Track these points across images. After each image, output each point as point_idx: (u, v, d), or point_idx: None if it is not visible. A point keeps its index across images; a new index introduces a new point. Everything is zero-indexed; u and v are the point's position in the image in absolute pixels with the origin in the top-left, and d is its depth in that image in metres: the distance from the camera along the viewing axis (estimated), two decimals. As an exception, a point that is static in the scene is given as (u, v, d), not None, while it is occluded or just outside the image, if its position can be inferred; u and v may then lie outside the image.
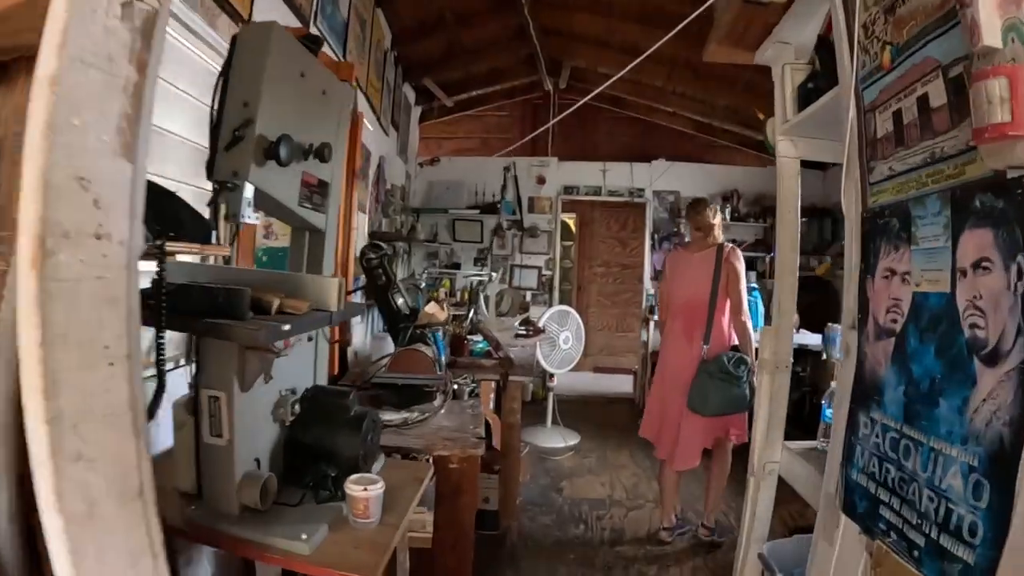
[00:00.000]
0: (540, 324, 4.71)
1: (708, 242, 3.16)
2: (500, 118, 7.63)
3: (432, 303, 3.04)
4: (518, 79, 6.21)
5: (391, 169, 5.27)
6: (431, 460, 1.75)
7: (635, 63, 4.23)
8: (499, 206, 6.30)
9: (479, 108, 7.10)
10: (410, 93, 5.87)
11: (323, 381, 1.46)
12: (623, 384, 6.92)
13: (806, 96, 1.96)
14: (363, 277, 2.76)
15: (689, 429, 3.09)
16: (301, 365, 1.39)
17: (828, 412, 2.01)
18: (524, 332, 4.40)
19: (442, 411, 2.05)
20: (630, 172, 6.44)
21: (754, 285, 4.87)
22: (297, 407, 1.29)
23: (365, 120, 3.99)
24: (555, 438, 4.97)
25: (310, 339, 1.38)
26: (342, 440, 1.28)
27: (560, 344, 4.87)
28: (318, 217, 1.39)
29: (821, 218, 6.33)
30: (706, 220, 3.16)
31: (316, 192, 1.34)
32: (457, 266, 6.61)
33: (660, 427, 3.30)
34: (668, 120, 6.94)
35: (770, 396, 2.08)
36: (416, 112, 6.33)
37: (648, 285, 6.41)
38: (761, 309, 4.92)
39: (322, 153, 1.29)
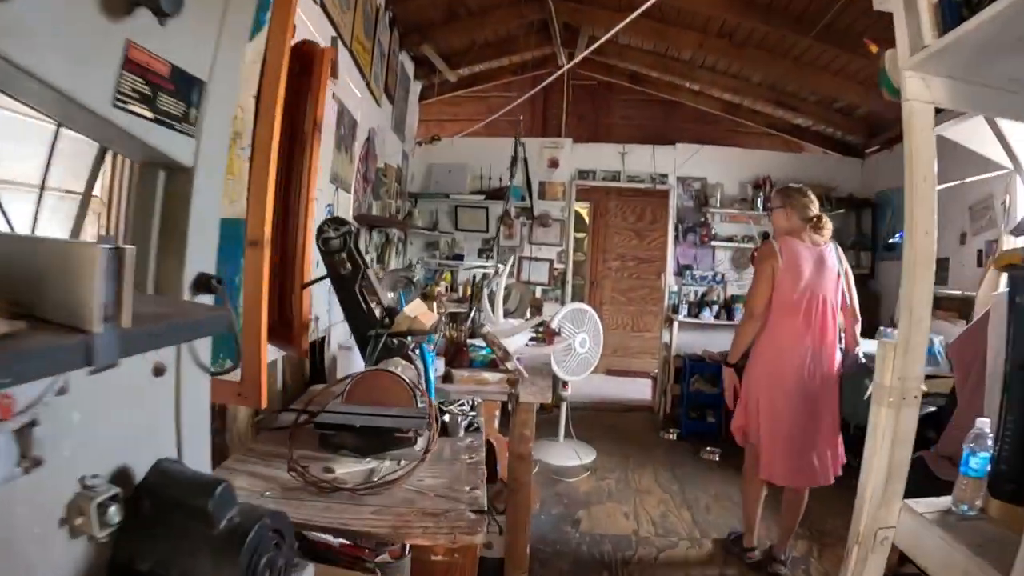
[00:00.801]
0: (553, 325, 4.09)
1: (823, 234, 2.87)
2: (508, 98, 6.98)
3: (418, 301, 2.41)
4: (528, 51, 5.57)
5: (385, 146, 4.64)
6: (406, 551, 1.13)
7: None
8: (507, 191, 5.65)
9: (485, 85, 6.46)
10: (409, 65, 5.24)
11: (199, 444, 0.83)
12: (640, 390, 6.29)
13: (953, 11, 1.32)
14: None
15: (835, 438, 2.81)
16: (131, 423, 0.77)
17: (975, 460, 1.43)
18: (537, 337, 3.77)
19: (424, 462, 1.41)
20: (652, 156, 5.79)
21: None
22: (116, 511, 0.68)
23: (347, 78, 3.38)
24: (568, 455, 4.35)
25: (159, 373, 0.77)
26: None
27: (576, 347, 4.25)
28: (171, 139, 0.77)
29: (859, 209, 5.67)
30: (814, 210, 2.92)
31: (165, 89, 0.72)
32: (460, 257, 5.98)
33: (773, 435, 2.80)
34: (692, 99, 6.30)
35: (892, 437, 1.46)
36: (416, 88, 5.70)
37: (671, 281, 5.76)
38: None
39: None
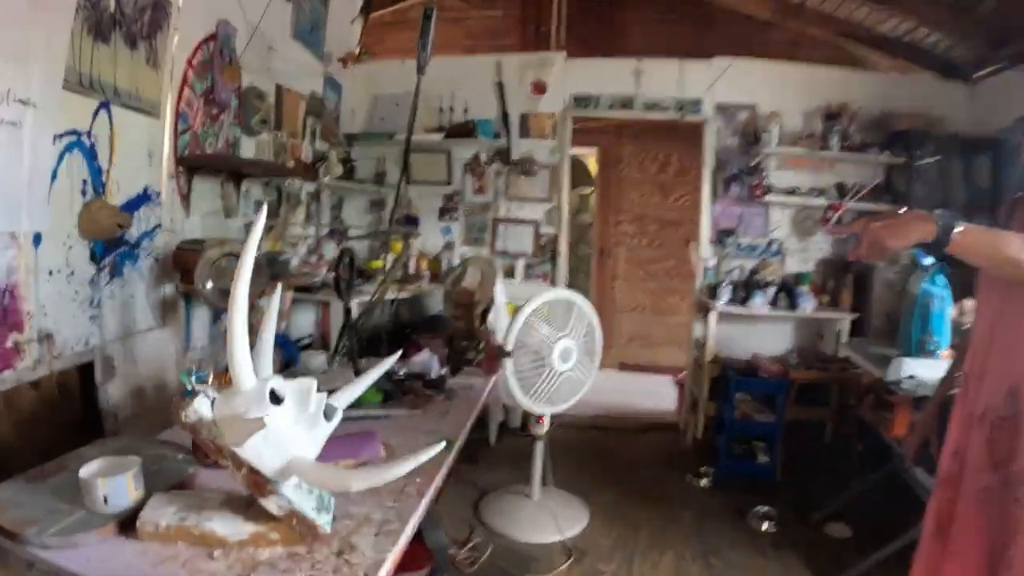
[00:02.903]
0: (509, 333, 2.53)
1: None
2: (491, 19, 5.31)
3: None
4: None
5: (271, 60, 3.07)
6: None
7: None
8: (474, 127, 4.04)
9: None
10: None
11: None
12: (661, 394, 4.71)
13: None
14: None
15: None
16: None
17: None
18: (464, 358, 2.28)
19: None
20: (679, 74, 4.07)
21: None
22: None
23: None
24: (543, 523, 2.81)
25: None
26: None
27: (555, 364, 2.66)
28: None
29: (970, 156, 3.86)
30: None
31: None
32: (413, 221, 4.39)
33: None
34: (733, 2, 4.57)
35: None
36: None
37: (707, 251, 4.09)
38: (948, 313, 2.67)
39: None
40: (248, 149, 3.06)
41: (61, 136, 1.79)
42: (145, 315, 2.33)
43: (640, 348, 5.75)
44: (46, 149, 1.72)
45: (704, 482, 3.36)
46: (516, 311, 2.61)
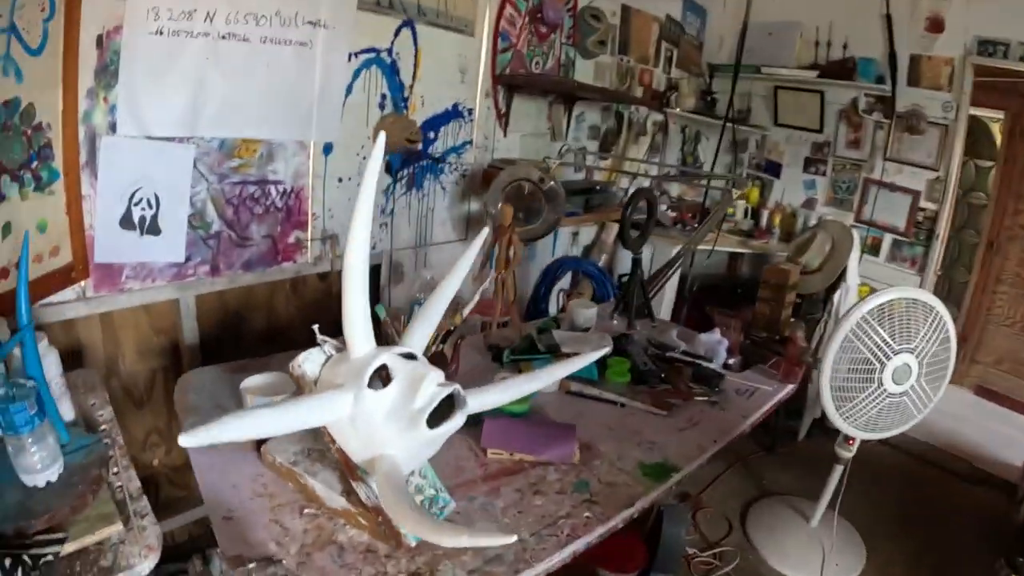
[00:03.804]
0: (833, 339, 1.93)
1: None
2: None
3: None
4: None
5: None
6: None
7: None
8: (854, 67, 3.17)
9: None
10: None
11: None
12: (1013, 441, 3.30)
13: None
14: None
15: None
16: None
17: None
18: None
19: None
20: None
21: None
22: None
23: None
24: (806, 558, 2.26)
25: None
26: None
27: (886, 383, 1.98)
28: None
29: None
30: None
31: None
32: (774, 168, 3.74)
33: None
34: None
35: None
36: None
37: None
38: None
39: None
40: (584, 71, 2.88)
41: (357, 54, 1.85)
42: (445, 228, 2.39)
43: (1009, 375, 4.14)
44: (339, 66, 1.80)
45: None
46: (846, 312, 1.97)
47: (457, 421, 0.87)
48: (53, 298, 1.48)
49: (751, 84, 3.74)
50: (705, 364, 1.85)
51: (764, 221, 3.70)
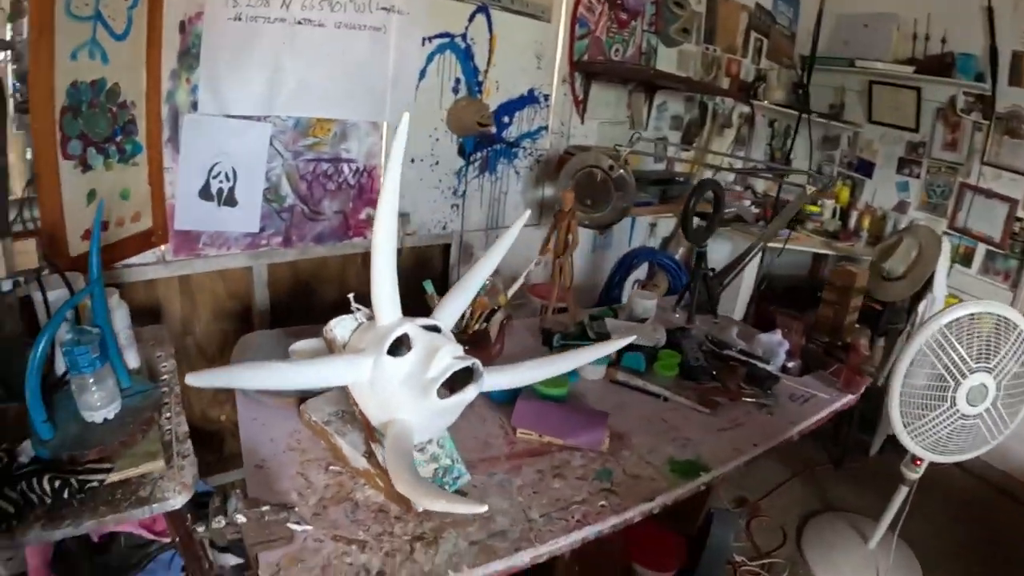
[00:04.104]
0: (904, 353, 1.82)
1: None
2: None
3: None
4: None
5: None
6: None
7: None
8: (952, 63, 2.92)
9: None
10: None
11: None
12: None
13: None
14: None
15: None
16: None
17: None
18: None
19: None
20: None
21: None
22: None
23: None
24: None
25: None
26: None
27: (959, 403, 1.86)
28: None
29: None
30: None
31: None
32: (866, 168, 3.52)
33: None
34: None
35: None
36: None
37: None
38: None
39: None
40: (667, 60, 2.82)
41: (431, 39, 1.90)
42: (517, 212, 2.42)
43: None
44: (413, 51, 1.86)
45: None
46: (923, 322, 1.86)
47: (468, 394, 0.90)
48: (135, 260, 1.63)
49: (844, 78, 3.54)
50: (760, 365, 1.79)
51: (852, 223, 3.52)
